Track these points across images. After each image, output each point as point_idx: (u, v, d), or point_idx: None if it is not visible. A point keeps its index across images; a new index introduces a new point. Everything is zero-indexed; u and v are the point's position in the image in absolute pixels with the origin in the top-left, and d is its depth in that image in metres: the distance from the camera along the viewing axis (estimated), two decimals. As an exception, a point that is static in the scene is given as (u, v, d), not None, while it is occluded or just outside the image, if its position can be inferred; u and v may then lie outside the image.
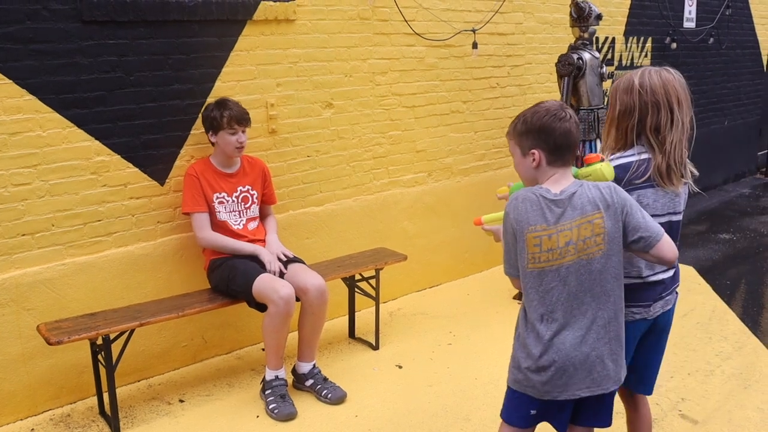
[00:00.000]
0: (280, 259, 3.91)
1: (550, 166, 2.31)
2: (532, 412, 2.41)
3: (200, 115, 4.00)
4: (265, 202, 4.18)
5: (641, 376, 2.80)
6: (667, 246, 2.33)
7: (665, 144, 2.49)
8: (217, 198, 3.91)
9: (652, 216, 2.51)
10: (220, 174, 3.95)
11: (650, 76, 2.51)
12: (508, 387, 2.47)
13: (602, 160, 2.45)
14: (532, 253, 2.27)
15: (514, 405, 2.46)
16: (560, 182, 2.30)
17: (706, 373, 4.16)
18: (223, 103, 3.89)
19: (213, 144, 3.94)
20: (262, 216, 4.20)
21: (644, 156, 2.52)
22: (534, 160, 2.30)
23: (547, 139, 2.28)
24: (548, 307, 2.29)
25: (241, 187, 4.00)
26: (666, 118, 2.49)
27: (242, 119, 3.88)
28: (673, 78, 2.52)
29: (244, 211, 4.02)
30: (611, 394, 2.42)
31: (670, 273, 2.66)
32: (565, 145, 2.29)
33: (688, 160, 2.58)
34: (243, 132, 3.89)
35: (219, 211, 3.92)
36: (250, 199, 4.05)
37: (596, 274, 2.27)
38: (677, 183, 2.55)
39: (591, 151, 5.23)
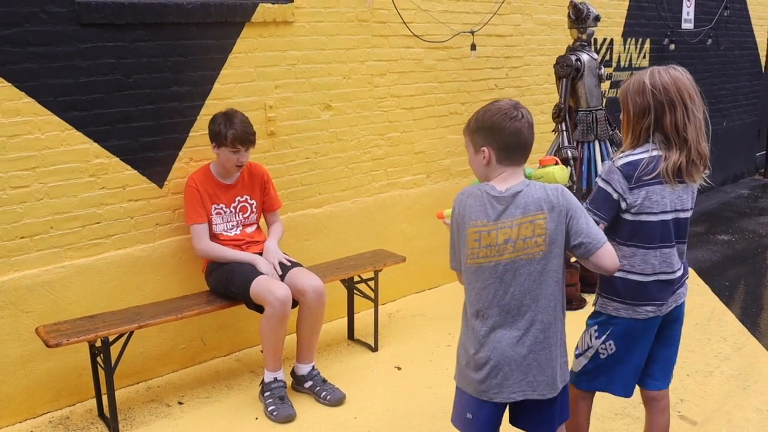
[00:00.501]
0: (278, 267, 3.89)
1: (500, 164, 2.31)
2: (468, 415, 2.40)
3: (207, 124, 3.94)
4: (267, 209, 4.14)
5: (659, 370, 2.81)
6: (607, 254, 2.31)
7: (688, 140, 2.52)
8: (215, 209, 3.91)
9: (661, 212, 2.53)
10: (219, 185, 3.93)
11: (660, 75, 2.53)
12: (456, 386, 2.48)
13: (557, 163, 2.47)
14: (471, 248, 2.28)
15: (456, 404, 2.48)
16: (508, 180, 2.30)
17: (705, 374, 4.16)
18: (230, 119, 3.82)
19: (216, 155, 3.90)
20: (268, 223, 4.18)
21: (654, 153, 2.53)
22: (484, 157, 2.31)
23: (496, 137, 2.28)
24: (484, 304, 2.30)
25: (239, 197, 3.99)
26: (682, 114, 2.51)
27: (246, 140, 3.82)
28: (681, 75, 2.55)
29: (242, 220, 4.02)
30: (551, 402, 2.39)
31: (683, 269, 2.69)
32: (515, 144, 2.29)
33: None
34: (246, 151, 3.85)
35: (216, 223, 3.92)
36: (249, 208, 4.03)
37: (535, 275, 2.27)
38: (697, 177, 2.60)
39: (590, 153, 5.23)
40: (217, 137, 3.82)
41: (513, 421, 2.49)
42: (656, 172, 2.51)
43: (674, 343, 2.82)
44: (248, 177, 4.04)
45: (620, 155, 2.59)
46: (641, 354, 2.71)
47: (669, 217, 2.57)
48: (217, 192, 3.91)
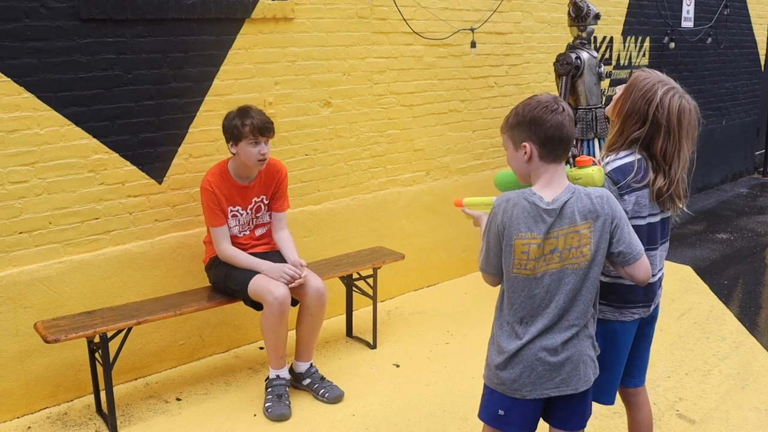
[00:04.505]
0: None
1: (542, 162, 2.26)
2: (500, 412, 2.40)
3: (222, 125, 3.81)
4: (272, 207, 3.99)
5: (636, 369, 2.82)
6: (643, 266, 2.33)
7: (671, 171, 2.49)
8: (231, 212, 3.82)
9: (649, 215, 2.53)
10: (236, 186, 3.81)
11: (673, 98, 2.46)
12: (484, 384, 2.48)
13: (594, 164, 2.43)
14: (519, 260, 2.26)
15: (486, 402, 2.47)
16: (552, 186, 2.26)
17: (703, 372, 4.16)
18: (245, 112, 3.70)
19: (233, 155, 3.78)
20: (276, 228, 4.01)
21: (638, 156, 2.50)
22: (526, 153, 2.26)
23: (537, 131, 2.23)
24: (528, 312, 2.29)
25: (255, 198, 3.89)
26: (674, 147, 2.47)
27: (265, 129, 3.69)
28: (691, 111, 2.49)
29: (254, 219, 3.95)
30: (583, 396, 2.40)
31: (662, 270, 2.69)
32: (557, 138, 2.23)
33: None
34: (266, 143, 3.71)
35: (231, 226, 3.84)
36: (263, 207, 3.95)
37: (579, 283, 2.27)
38: (671, 208, 2.58)
39: (589, 151, 5.23)
40: (233, 133, 3.68)
41: (545, 417, 2.49)
42: (646, 181, 2.48)
43: (650, 342, 2.84)
44: (266, 176, 3.91)
45: (607, 158, 2.55)
46: (624, 357, 2.70)
47: (656, 219, 2.56)
48: (233, 194, 3.81)
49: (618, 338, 2.64)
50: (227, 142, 3.77)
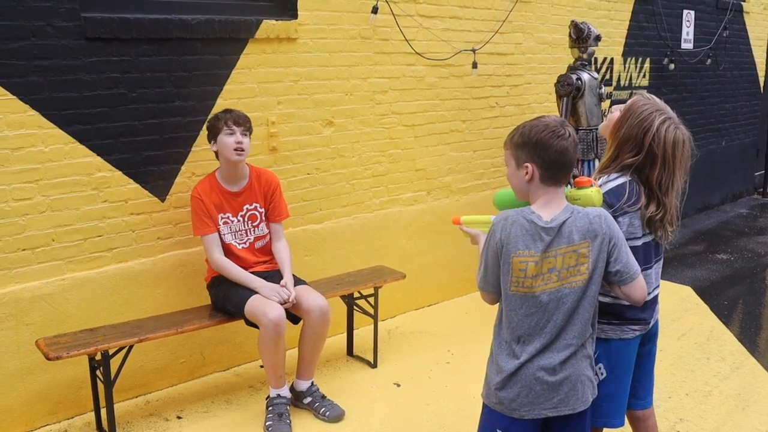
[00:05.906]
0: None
1: (542, 184, 2.29)
2: (499, 431, 2.41)
3: (205, 130, 3.97)
4: (270, 218, 4.01)
5: (643, 389, 2.81)
6: (639, 286, 2.36)
7: (665, 200, 2.51)
8: (222, 219, 3.83)
9: (643, 236, 2.55)
10: (225, 193, 3.84)
11: (668, 130, 2.47)
12: (483, 403, 2.48)
13: (592, 185, 2.45)
14: (516, 277, 2.28)
15: (484, 421, 2.47)
16: (551, 207, 2.28)
17: (704, 393, 4.16)
18: (224, 110, 3.86)
19: (217, 156, 3.85)
20: (273, 239, 4.04)
21: (629, 179, 2.52)
22: (527, 173, 2.29)
23: (542, 154, 2.25)
24: (526, 330, 2.30)
25: (247, 206, 3.90)
26: (669, 178, 2.50)
27: (240, 120, 3.78)
28: (685, 142, 2.51)
29: (252, 229, 3.94)
30: (581, 416, 2.40)
31: (658, 285, 2.72)
32: (560, 163, 2.26)
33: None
34: (242, 134, 3.77)
35: (224, 234, 3.85)
36: (259, 217, 3.95)
37: (576, 302, 2.28)
38: (663, 236, 2.60)
39: (590, 171, 5.25)
40: (212, 129, 3.82)
41: None
42: (639, 205, 2.50)
43: (653, 360, 2.84)
44: (257, 184, 3.94)
45: (599, 180, 2.56)
46: (629, 376, 2.70)
47: (650, 239, 2.58)
48: (222, 201, 3.83)
49: (622, 356, 2.65)
50: (209, 141, 3.86)
